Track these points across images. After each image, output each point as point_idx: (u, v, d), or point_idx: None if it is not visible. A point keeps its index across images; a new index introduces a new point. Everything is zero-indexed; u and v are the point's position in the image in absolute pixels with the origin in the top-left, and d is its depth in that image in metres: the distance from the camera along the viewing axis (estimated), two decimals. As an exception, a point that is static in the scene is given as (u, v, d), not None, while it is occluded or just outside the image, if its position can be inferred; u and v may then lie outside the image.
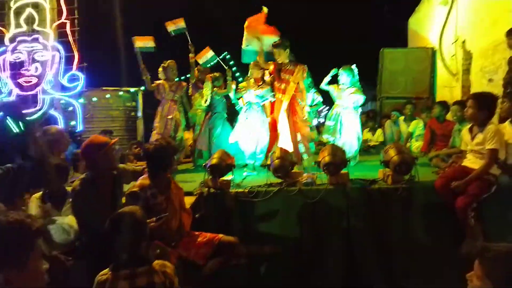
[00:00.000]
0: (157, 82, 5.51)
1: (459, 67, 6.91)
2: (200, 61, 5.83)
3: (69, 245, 2.93)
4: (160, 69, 5.54)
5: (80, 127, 6.43)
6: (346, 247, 3.57)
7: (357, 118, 5.36)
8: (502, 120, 3.86)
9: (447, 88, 7.43)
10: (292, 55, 5.04)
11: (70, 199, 2.90)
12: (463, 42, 6.72)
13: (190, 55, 5.59)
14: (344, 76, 5.23)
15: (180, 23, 5.59)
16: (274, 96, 5.10)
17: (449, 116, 5.46)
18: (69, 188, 3.20)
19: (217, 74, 5.79)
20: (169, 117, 5.35)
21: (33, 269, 1.23)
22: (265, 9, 5.36)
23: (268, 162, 3.96)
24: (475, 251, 1.57)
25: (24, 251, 1.21)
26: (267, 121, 5.12)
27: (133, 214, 2.11)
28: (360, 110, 5.54)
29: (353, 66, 5.38)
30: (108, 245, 2.20)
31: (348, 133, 5.24)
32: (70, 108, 6.52)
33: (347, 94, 5.26)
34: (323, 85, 5.42)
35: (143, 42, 5.46)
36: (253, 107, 5.11)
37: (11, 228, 1.18)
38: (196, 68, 5.79)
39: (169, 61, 5.52)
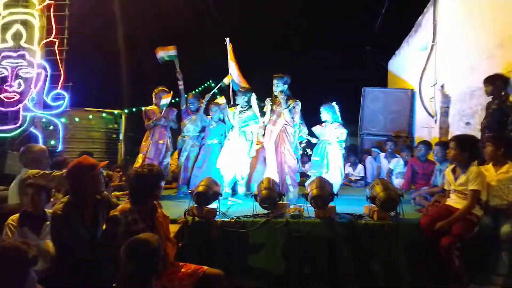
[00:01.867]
0: (147, 108, 5.52)
1: (437, 109, 7.21)
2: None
3: (45, 273, 2.75)
4: (153, 94, 5.57)
5: (59, 147, 6.24)
6: (331, 282, 3.52)
7: (340, 153, 5.46)
8: (482, 162, 4.00)
9: (426, 129, 7.71)
10: (289, 90, 5.11)
11: (50, 223, 2.75)
12: (442, 85, 7.05)
13: (178, 82, 5.64)
14: (325, 113, 5.43)
15: (171, 50, 5.64)
16: (258, 121, 5.16)
17: (430, 156, 5.63)
18: (49, 211, 3.06)
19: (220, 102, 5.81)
20: (161, 142, 5.31)
21: None
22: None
23: (256, 192, 3.93)
24: None
25: (18, 280, 1.12)
26: (249, 148, 5.13)
27: (150, 243, 2.09)
28: (343, 145, 5.65)
29: (334, 103, 5.58)
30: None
31: (332, 167, 5.33)
32: (51, 127, 6.34)
33: (331, 129, 5.41)
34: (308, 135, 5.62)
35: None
36: (236, 132, 5.13)
37: (6, 254, 1.10)
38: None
39: (160, 87, 5.54)
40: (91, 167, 2.77)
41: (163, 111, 5.48)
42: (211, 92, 5.82)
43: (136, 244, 2.09)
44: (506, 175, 3.52)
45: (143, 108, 5.54)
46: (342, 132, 5.41)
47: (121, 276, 2.17)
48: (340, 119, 5.57)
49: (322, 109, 5.48)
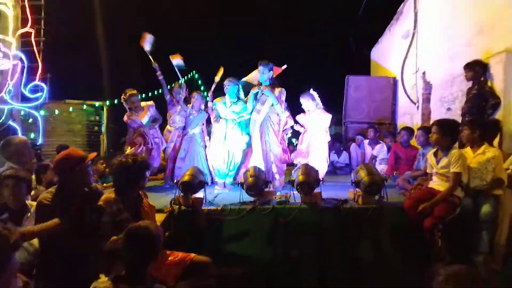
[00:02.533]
0: (126, 120, 5.40)
1: (419, 96, 7.33)
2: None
3: (27, 265, 2.70)
4: (122, 99, 5.42)
5: (40, 140, 6.09)
6: (318, 266, 3.56)
7: (326, 141, 5.49)
8: (461, 146, 4.10)
9: (408, 115, 7.83)
10: (276, 79, 5.05)
11: (35, 213, 2.69)
12: (423, 73, 7.16)
13: (157, 73, 5.52)
14: (305, 102, 5.43)
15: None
16: (250, 113, 5.12)
17: (412, 142, 5.73)
18: (30, 203, 2.99)
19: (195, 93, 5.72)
20: (156, 139, 5.37)
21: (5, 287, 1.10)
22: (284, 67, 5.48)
23: (242, 181, 3.93)
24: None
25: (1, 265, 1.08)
26: (242, 138, 5.11)
27: (150, 231, 2.13)
28: (328, 132, 5.66)
29: (311, 90, 5.59)
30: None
31: (318, 155, 5.37)
32: (30, 120, 6.18)
33: (315, 117, 5.43)
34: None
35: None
36: (229, 123, 5.10)
37: None
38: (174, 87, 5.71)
39: (128, 92, 5.39)
40: (80, 159, 2.73)
41: (139, 115, 5.34)
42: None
43: (137, 231, 2.10)
44: (483, 156, 3.63)
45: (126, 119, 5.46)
46: (327, 118, 5.44)
47: (116, 265, 2.16)
48: (321, 104, 5.58)
49: (301, 99, 5.48)
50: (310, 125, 5.48)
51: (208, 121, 5.86)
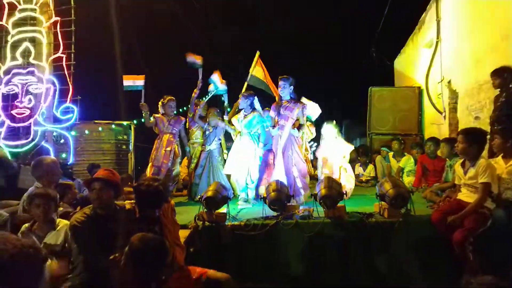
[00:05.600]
0: (156, 115, 5.56)
1: (445, 105, 7.15)
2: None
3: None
4: (160, 104, 5.61)
5: (71, 160, 6.34)
6: (343, 281, 3.49)
7: (349, 166, 5.45)
8: (492, 155, 3.96)
9: (435, 125, 7.63)
10: (294, 93, 5.09)
11: (70, 233, 2.82)
12: (449, 81, 6.99)
13: (194, 90, 5.69)
14: (328, 133, 5.40)
15: (199, 60, 5.68)
16: (265, 121, 5.19)
17: (440, 153, 5.57)
18: (58, 220, 3.10)
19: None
20: (168, 149, 5.37)
21: None
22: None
23: (264, 195, 3.93)
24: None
25: (37, 278, 1.16)
26: (259, 151, 5.14)
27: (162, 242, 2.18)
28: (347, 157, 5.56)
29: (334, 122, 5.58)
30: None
31: (343, 178, 5.29)
32: (62, 140, 6.46)
33: (338, 148, 5.38)
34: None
35: (132, 81, 5.36)
36: (244, 137, 5.15)
37: (26, 251, 1.14)
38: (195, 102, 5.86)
39: (168, 97, 5.60)
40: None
41: (171, 120, 5.51)
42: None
43: (141, 244, 2.10)
44: (515, 167, 3.47)
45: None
46: (347, 148, 5.39)
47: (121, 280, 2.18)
48: (341, 134, 5.58)
49: (330, 128, 5.40)
50: (336, 156, 5.39)
51: (228, 138, 5.95)
